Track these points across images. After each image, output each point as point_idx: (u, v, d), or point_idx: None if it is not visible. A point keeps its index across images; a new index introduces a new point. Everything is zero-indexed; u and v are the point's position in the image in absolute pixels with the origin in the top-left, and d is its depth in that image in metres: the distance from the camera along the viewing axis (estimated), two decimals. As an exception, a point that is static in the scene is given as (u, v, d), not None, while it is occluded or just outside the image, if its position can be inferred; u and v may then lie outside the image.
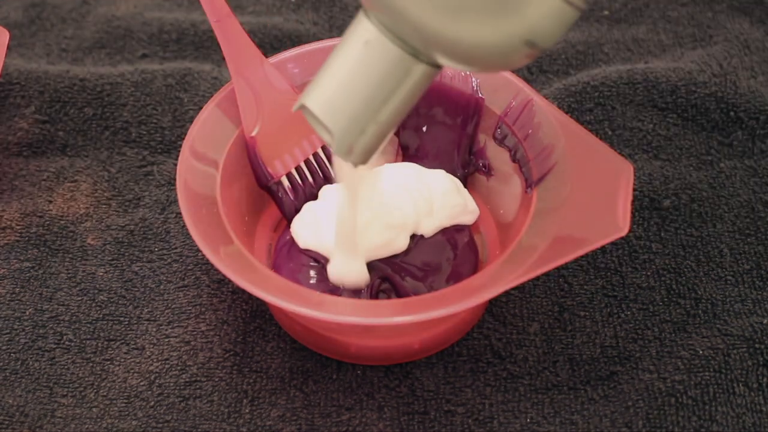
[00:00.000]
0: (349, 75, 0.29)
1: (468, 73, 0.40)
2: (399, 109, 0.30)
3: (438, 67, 0.30)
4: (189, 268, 0.41)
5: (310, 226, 0.38)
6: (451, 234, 0.39)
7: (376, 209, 0.37)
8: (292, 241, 0.39)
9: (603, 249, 0.42)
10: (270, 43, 0.53)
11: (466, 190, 0.41)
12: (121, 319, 0.40)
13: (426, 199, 0.39)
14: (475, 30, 0.27)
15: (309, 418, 0.36)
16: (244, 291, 0.39)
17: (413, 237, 0.38)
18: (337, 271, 0.37)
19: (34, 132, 0.47)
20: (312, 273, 0.38)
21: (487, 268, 0.35)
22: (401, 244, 0.38)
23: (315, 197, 0.40)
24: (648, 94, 0.48)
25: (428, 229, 0.39)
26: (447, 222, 0.39)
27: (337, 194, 0.38)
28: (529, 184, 0.38)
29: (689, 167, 0.46)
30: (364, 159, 0.31)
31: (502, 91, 0.40)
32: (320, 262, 0.38)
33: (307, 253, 0.38)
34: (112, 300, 0.40)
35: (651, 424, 0.36)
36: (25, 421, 0.36)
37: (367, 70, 0.29)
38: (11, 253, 0.42)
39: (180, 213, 0.36)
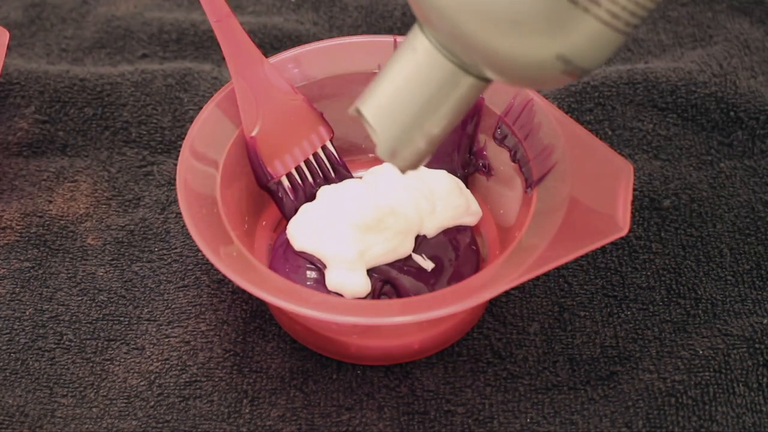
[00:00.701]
0: (400, 83, 0.31)
1: None
2: (446, 120, 0.31)
3: (486, 80, 0.30)
4: (189, 268, 0.41)
5: (306, 229, 0.38)
6: (453, 235, 0.39)
7: (384, 217, 0.37)
8: (288, 243, 0.39)
9: (603, 249, 0.42)
10: (270, 43, 0.53)
11: (468, 191, 0.41)
12: (121, 319, 0.40)
13: (428, 198, 0.39)
14: (516, 46, 0.27)
15: (309, 418, 0.36)
16: (244, 291, 0.39)
17: (416, 238, 0.38)
18: (336, 282, 0.37)
19: (34, 132, 0.47)
20: (307, 275, 0.38)
21: (487, 268, 0.35)
22: (407, 248, 0.38)
23: (315, 197, 0.40)
24: (648, 94, 0.48)
25: (430, 229, 0.39)
26: (449, 222, 0.39)
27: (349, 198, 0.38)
28: (529, 184, 0.38)
29: (689, 167, 0.46)
30: (409, 165, 0.32)
31: (502, 91, 0.40)
32: (315, 264, 0.38)
33: (302, 255, 0.38)
34: (112, 300, 0.40)
35: (651, 424, 0.36)
36: (25, 421, 0.36)
37: (417, 80, 0.30)
38: (11, 253, 0.42)
39: (180, 213, 0.36)
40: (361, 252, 0.37)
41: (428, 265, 0.38)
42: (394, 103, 0.31)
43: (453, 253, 0.39)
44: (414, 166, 0.33)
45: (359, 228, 0.37)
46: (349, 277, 0.37)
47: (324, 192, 0.40)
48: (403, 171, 0.33)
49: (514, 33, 0.27)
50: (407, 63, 0.30)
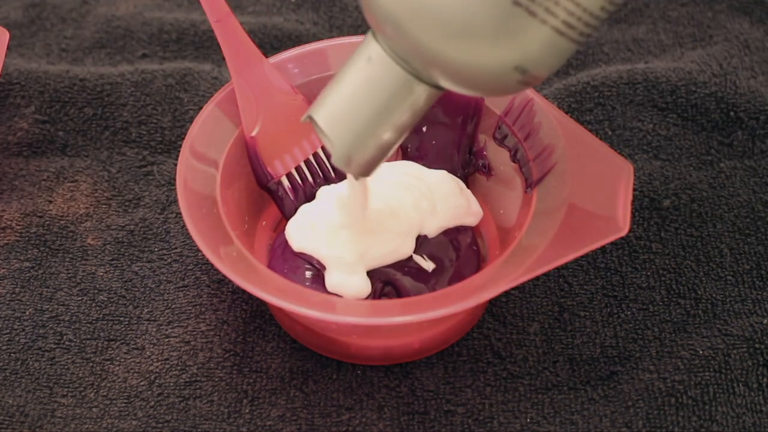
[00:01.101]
0: (353, 90, 0.31)
1: None
2: (399, 127, 0.31)
3: (439, 88, 0.31)
4: (189, 268, 0.41)
5: (304, 230, 0.38)
6: (454, 235, 0.39)
7: (385, 218, 0.37)
8: (287, 243, 0.39)
9: (603, 249, 0.42)
10: (270, 43, 0.53)
11: (469, 191, 0.40)
12: (121, 319, 0.40)
13: (428, 198, 0.39)
14: (471, 55, 0.28)
15: (309, 418, 0.36)
16: (244, 291, 0.39)
17: (416, 238, 0.38)
18: (336, 284, 0.37)
19: (34, 132, 0.47)
20: (306, 276, 0.38)
21: (487, 268, 0.35)
22: (408, 248, 0.38)
23: (315, 197, 0.40)
24: (648, 94, 0.48)
25: (431, 230, 0.39)
26: (450, 223, 0.39)
27: (340, 201, 0.38)
28: (529, 184, 0.38)
29: (689, 167, 0.46)
30: (363, 172, 0.33)
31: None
32: (314, 265, 0.38)
33: (300, 256, 0.38)
34: (112, 300, 0.40)
35: (651, 424, 0.36)
36: (25, 421, 0.36)
37: (370, 87, 0.30)
38: (11, 253, 0.42)
39: (180, 213, 0.36)
40: (360, 254, 0.37)
41: (429, 265, 0.38)
42: (348, 110, 0.31)
43: (454, 253, 0.39)
44: (368, 172, 0.33)
45: (359, 230, 0.37)
46: (348, 280, 0.37)
47: (323, 192, 0.40)
48: (356, 177, 0.33)
49: (472, 45, 0.27)
50: (361, 70, 0.31)
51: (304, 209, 0.39)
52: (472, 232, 0.40)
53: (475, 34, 0.27)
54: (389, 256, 0.38)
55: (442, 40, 0.27)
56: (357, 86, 0.31)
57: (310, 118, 0.32)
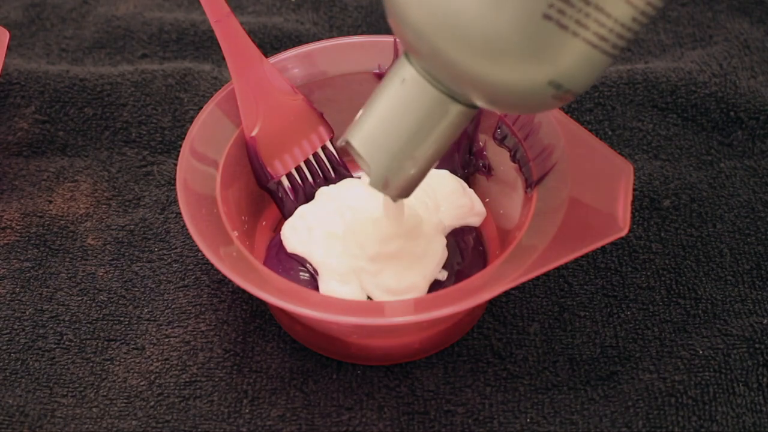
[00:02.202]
0: (388, 113, 0.31)
1: None
2: (436, 148, 0.31)
3: (474, 107, 0.31)
4: (189, 268, 0.41)
5: (300, 233, 0.38)
6: (460, 236, 0.39)
7: (405, 247, 0.37)
8: (281, 244, 0.39)
9: (603, 249, 0.42)
10: (270, 43, 0.53)
11: (471, 190, 0.40)
12: (121, 319, 0.40)
13: (431, 198, 0.39)
14: (504, 71, 0.27)
15: (309, 418, 0.36)
16: (244, 291, 0.39)
17: None
18: (328, 292, 0.37)
19: (34, 132, 0.47)
20: (299, 279, 0.38)
21: (487, 268, 0.35)
22: (443, 248, 0.38)
23: (314, 197, 0.40)
24: (648, 94, 0.48)
25: None
26: (454, 223, 0.39)
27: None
28: (529, 184, 0.38)
29: (689, 167, 0.46)
30: (401, 194, 0.33)
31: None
32: (307, 269, 0.38)
33: (294, 257, 0.38)
34: (112, 300, 0.40)
35: (651, 424, 0.36)
36: (25, 421, 0.36)
37: (406, 109, 0.30)
38: (11, 253, 0.42)
39: (180, 213, 0.36)
40: (360, 266, 0.37)
41: (443, 274, 0.38)
42: (384, 133, 0.31)
43: (459, 255, 0.38)
44: (406, 194, 0.33)
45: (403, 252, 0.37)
46: (341, 289, 0.37)
47: (322, 194, 0.40)
48: (395, 199, 0.33)
49: (504, 61, 0.27)
50: (395, 93, 0.30)
51: (302, 211, 0.39)
52: (478, 233, 0.40)
53: (506, 50, 0.27)
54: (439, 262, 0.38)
55: (473, 59, 0.27)
56: (392, 108, 0.31)
57: (347, 142, 0.32)
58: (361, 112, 0.32)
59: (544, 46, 0.26)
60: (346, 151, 0.43)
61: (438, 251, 0.37)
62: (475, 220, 0.40)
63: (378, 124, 0.31)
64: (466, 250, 0.39)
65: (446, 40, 0.27)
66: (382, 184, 0.32)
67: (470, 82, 0.28)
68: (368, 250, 0.36)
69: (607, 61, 0.28)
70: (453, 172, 0.41)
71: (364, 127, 0.31)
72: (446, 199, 0.39)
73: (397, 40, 0.30)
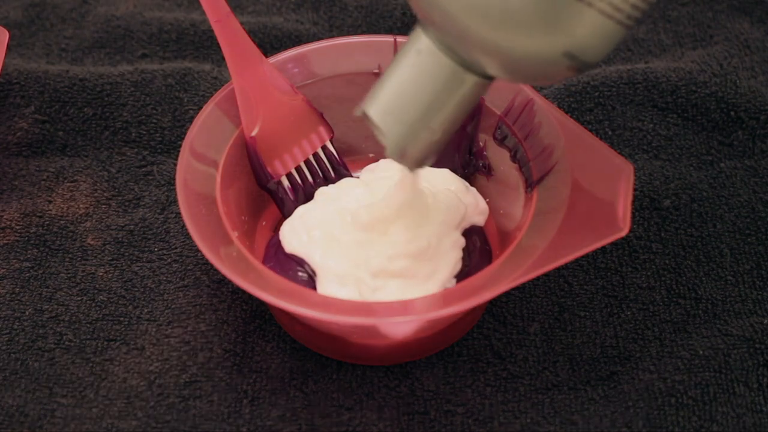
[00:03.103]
0: (404, 83, 0.31)
1: None
2: (451, 118, 0.32)
3: (489, 78, 0.31)
4: (189, 268, 0.41)
5: (299, 234, 0.38)
6: (467, 237, 0.39)
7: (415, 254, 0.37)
8: (280, 243, 0.39)
9: (603, 249, 0.42)
10: (270, 43, 0.53)
11: (474, 188, 0.40)
12: (121, 319, 0.40)
13: (455, 215, 0.38)
14: (519, 41, 0.28)
15: (309, 418, 0.36)
16: (244, 291, 0.39)
17: None
18: (327, 294, 0.37)
19: (34, 132, 0.47)
20: (297, 279, 0.38)
21: (487, 268, 0.35)
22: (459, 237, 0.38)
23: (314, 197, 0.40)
24: (648, 94, 0.48)
25: None
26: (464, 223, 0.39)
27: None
28: (529, 184, 0.38)
29: (689, 167, 0.46)
30: (417, 164, 0.33)
31: (502, 91, 0.40)
32: (305, 268, 0.38)
33: (292, 257, 0.38)
34: (112, 300, 0.40)
35: (651, 424, 0.36)
36: (25, 421, 0.36)
37: (421, 80, 0.31)
38: (11, 253, 0.42)
39: (180, 213, 0.36)
40: (356, 265, 0.36)
41: (452, 282, 0.38)
42: (400, 103, 0.31)
43: (468, 257, 0.38)
44: (422, 164, 0.33)
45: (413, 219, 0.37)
46: (339, 291, 0.36)
47: (321, 194, 0.40)
48: (411, 169, 0.34)
49: (519, 31, 0.27)
50: (411, 64, 0.31)
51: (301, 211, 0.39)
52: (484, 233, 0.40)
53: (521, 20, 0.27)
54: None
55: (488, 28, 0.27)
56: (407, 79, 0.31)
57: (363, 113, 0.32)
58: (377, 83, 0.32)
59: (559, 16, 0.27)
60: (346, 151, 0.43)
61: (446, 273, 0.37)
62: (479, 219, 0.39)
63: (394, 95, 0.31)
64: (474, 251, 0.39)
65: (462, 10, 0.28)
66: (398, 154, 0.32)
67: (485, 52, 0.28)
68: (372, 265, 0.36)
69: (621, 32, 0.28)
70: (453, 171, 0.41)
71: (380, 97, 0.32)
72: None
73: (413, 10, 0.30)
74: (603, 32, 0.27)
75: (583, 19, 0.27)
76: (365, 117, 0.32)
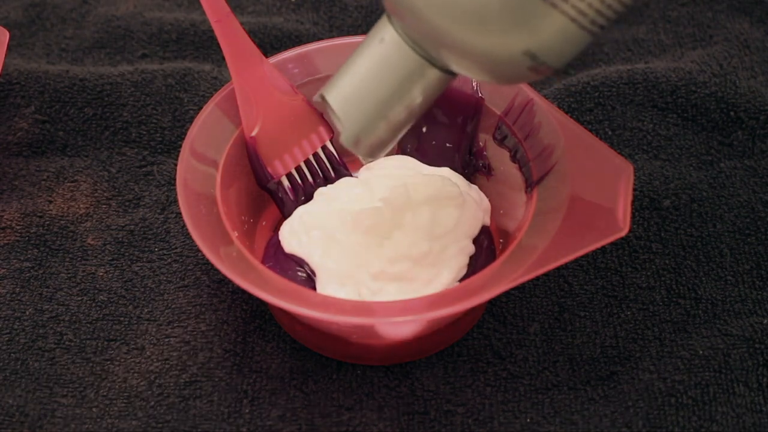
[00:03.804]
0: (365, 72, 0.31)
1: None
2: (410, 110, 0.32)
3: (451, 74, 0.31)
4: (189, 268, 0.41)
5: (299, 235, 0.38)
6: (474, 237, 0.39)
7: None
8: (279, 243, 0.39)
9: (603, 249, 0.42)
10: (270, 43, 0.53)
11: (476, 186, 0.40)
12: (121, 319, 0.40)
13: (468, 231, 0.38)
14: (482, 37, 0.28)
15: (309, 418, 0.36)
16: (244, 291, 0.39)
17: None
18: (327, 294, 0.37)
19: (34, 132, 0.47)
20: (297, 279, 0.38)
21: (487, 268, 0.35)
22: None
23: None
24: (648, 94, 0.48)
25: None
26: None
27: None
28: (529, 184, 0.38)
29: (689, 167, 0.46)
30: (370, 153, 0.33)
31: (502, 91, 0.40)
32: (304, 268, 0.38)
33: (292, 257, 0.38)
34: (112, 300, 0.40)
35: (651, 424, 0.36)
36: (25, 421, 0.36)
37: (382, 69, 0.31)
38: (11, 253, 0.42)
39: (180, 213, 0.36)
40: (356, 265, 0.36)
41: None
42: (360, 92, 0.31)
43: (474, 259, 0.38)
44: (376, 155, 0.33)
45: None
46: (339, 292, 0.36)
47: (320, 194, 0.40)
48: (364, 159, 0.33)
49: (482, 28, 0.27)
50: (374, 53, 0.31)
51: (301, 212, 0.39)
52: (490, 233, 0.39)
53: (486, 16, 0.27)
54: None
55: (453, 22, 0.27)
56: (369, 68, 0.31)
57: (322, 97, 0.32)
58: (338, 70, 0.32)
59: (522, 15, 0.27)
60: (346, 151, 0.43)
61: (448, 279, 0.36)
62: (485, 218, 0.39)
63: (354, 83, 0.31)
64: (481, 251, 0.38)
65: (427, 3, 0.28)
66: (353, 142, 0.32)
67: (447, 46, 0.28)
68: (372, 267, 0.36)
69: (585, 37, 0.28)
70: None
71: (339, 84, 0.32)
72: None
73: (381, 1, 0.31)
74: (565, 35, 0.27)
75: (547, 19, 0.27)
76: (324, 102, 0.32)
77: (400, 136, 0.33)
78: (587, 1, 0.27)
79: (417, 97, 0.31)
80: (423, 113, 0.32)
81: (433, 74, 0.31)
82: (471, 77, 0.31)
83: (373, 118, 0.32)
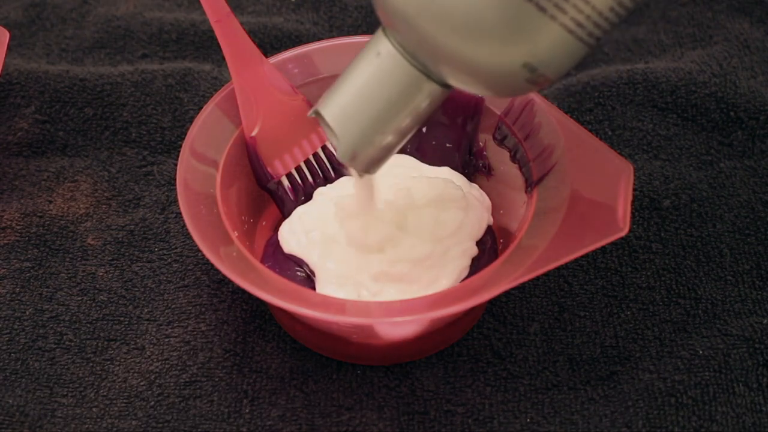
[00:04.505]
0: (361, 86, 0.31)
1: None
2: (407, 125, 0.31)
3: (448, 87, 0.31)
4: (189, 268, 0.41)
5: (298, 235, 0.38)
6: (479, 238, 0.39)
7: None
8: (278, 243, 0.39)
9: (603, 249, 0.42)
10: (270, 43, 0.53)
11: (476, 185, 0.40)
12: (121, 319, 0.40)
13: (472, 234, 0.38)
14: (480, 50, 0.27)
15: (309, 418, 0.36)
16: (244, 291, 0.39)
17: None
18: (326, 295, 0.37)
19: (34, 132, 0.47)
20: (297, 277, 0.38)
21: (487, 268, 0.35)
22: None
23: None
24: (648, 94, 0.48)
25: None
26: None
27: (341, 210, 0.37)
28: (529, 184, 0.38)
29: (689, 167, 0.46)
30: (367, 168, 0.33)
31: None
32: (303, 268, 0.38)
33: (291, 258, 0.38)
34: (112, 300, 0.40)
35: (651, 424, 0.36)
36: (25, 421, 0.36)
37: (379, 84, 0.30)
38: (11, 253, 0.42)
39: (180, 213, 0.36)
40: (356, 267, 0.36)
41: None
42: (356, 106, 0.31)
43: (477, 259, 0.38)
44: (373, 169, 0.33)
45: (360, 248, 0.37)
46: (337, 293, 0.36)
47: (320, 194, 0.40)
48: (361, 174, 0.33)
49: (480, 40, 0.27)
50: (370, 67, 0.30)
51: (300, 212, 0.39)
52: (493, 232, 0.39)
53: (484, 28, 0.27)
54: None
55: (450, 35, 0.27)
56: (365, 82, 0.31)
57: (317, 113, 0.32)
58: (334, 83, 0.32)
59: (521, 27, 0.27)
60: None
61: (449, 281, 0.36)
62: (488, 217, 0.39)
63: (350, 97, 0.31)
64: (485, 251, 0.38)
65: (422, 14, 0.27)
66: (349, 157, 0.32)
67: (445, 59, 0.28)
68: (372, 268, 0.36)
69: (582, 48, 0.28)
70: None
71: (335, 98, 0.31)
72: None
73: (376, 13, 0.30)
74: (564, 47, 0.27)
75: (545, 31, 0.27)
76: (319, 118, 0.32)
77: (397, 149, 0.32)
78: (585, 13, 0.27)
79: (413, 111, 0.31)
80: (420, 127, 0.32)
81: (429, 88, 0.30)
82: (468, 91, 0.30)
83: (370, 132, 0.31)
